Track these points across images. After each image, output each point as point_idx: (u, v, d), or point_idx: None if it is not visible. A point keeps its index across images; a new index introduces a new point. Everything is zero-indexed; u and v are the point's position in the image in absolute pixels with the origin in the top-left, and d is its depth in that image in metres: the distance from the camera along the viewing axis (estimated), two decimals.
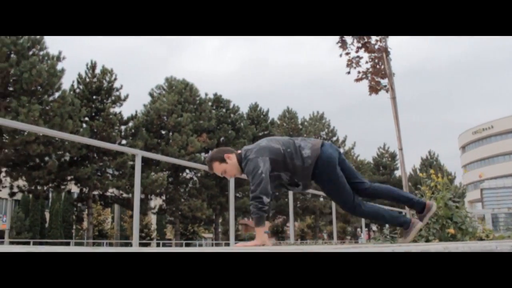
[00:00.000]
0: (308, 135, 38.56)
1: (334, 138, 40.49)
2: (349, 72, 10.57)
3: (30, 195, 28.62)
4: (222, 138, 34.53)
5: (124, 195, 29.29)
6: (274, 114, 45.01)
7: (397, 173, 43.07)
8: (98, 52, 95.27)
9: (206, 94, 34.64)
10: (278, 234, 45.12)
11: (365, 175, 38.06)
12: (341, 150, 27.68)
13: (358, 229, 40.92)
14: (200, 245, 35.21)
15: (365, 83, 10.75)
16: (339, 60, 10.59)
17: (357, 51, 10.07)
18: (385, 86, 10.19)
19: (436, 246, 2.26)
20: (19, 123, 7.57)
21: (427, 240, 6.98)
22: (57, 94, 23.79)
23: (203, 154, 31.66)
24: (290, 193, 10.47)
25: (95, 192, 28.66)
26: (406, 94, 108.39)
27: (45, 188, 26.09)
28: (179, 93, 32.53)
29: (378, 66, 10.11)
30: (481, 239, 6.99)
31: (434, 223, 6.88)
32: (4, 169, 23.63)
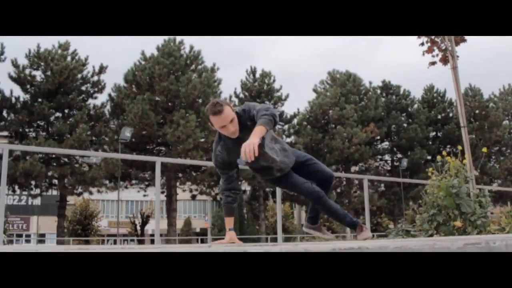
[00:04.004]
0: (497, 111, 34.49)
1: None
2: (422, 44, 9.49)
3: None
4: (393, 126, 33.06)
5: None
6: (453, 94, 41.15)
7: None
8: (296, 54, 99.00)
9: (371, 83, 33.55)
10: None
11: None
12: None
13: None
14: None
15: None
16: None
17: None
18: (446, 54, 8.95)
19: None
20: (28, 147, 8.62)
21: (430, 236, 5.93)
22: None
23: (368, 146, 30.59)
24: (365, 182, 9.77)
25: (267, 189, 30.09)
26: None
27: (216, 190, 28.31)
28: (341, 85, 32.13)
29: None
30: (490, 232, 5.68)
31: (438, 215, 5.83)
32: (180, 175, 26.44)
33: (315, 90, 33.57)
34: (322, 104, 31.00)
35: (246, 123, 3.27)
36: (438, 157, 6.14)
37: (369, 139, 30.22)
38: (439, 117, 34.68)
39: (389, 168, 34.15)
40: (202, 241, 36.10)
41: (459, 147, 6.14)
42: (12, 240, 38.94)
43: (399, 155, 33.69)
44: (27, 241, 40.08)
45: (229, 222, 3.36)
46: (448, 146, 35.08)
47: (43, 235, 38.59)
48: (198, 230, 48.00)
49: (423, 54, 9.05)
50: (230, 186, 3.37)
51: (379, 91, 34.40)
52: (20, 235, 41.50)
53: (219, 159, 3.37)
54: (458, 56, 9.01)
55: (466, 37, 9.08)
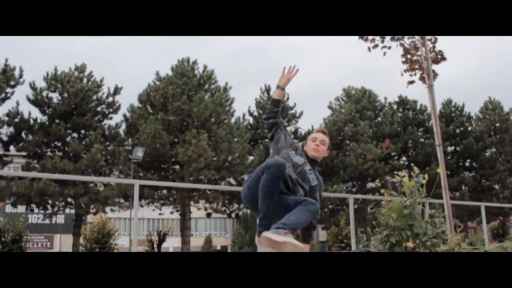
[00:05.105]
0: None
1: None
2: (406, 61, 9.59)
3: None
4: (409, 141, 32.76)
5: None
6: (472, 108, 40.57)
7: None
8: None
9: (386, 98, 33.40)
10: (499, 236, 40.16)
11: None
12: None
13: None
14: None
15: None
16: None
17: (382, 41, 9.09)
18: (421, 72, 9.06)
19: None
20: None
21: None
22: (227, 122, 26.02)
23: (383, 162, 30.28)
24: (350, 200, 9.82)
25: None
26: None
27: (235, 208, 28.50)
28: (356, 102, 32.11)
29: (411, 52, 8.98)
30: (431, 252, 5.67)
31: (391, 235, 5.88)
32: (194, 194, 26.67)
33: (330, 107, 33.61)
34: (337, 120, 30.97)
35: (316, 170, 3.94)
36: (397, 177, 6.18)
37: (384, 155, 29.99)
38: (457, 131, 34.20)
39: None
40: None
41: (415, 168, 6.17)
42: None
43: (417, 171, 33.26)
44: None
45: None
46: (468, 160, 34.61)
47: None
48: (218, 247, 48.20)
49: (402, 74, 9.16)
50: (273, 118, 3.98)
51: (395, 107, 34.25)
52: None
53: (283, 133, 4.04)
54: (437, 75, 9.08)
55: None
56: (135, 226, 7.50)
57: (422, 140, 32.97)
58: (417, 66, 9.21)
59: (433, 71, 9.24)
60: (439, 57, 9.28)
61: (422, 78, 9.33)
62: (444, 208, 7.49)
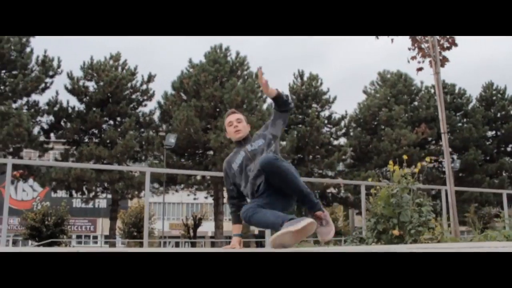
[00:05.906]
0: None
1: None
2: (413, 48, 9.51)
3: None
4: (446, 126, 32.01)
5: (341, 194, 30.17)
6: None
7: None
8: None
9: (422, 82, 32.70)
10: None
11: None
12: None
13: None
14: None
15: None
16: None
17: None
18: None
19: None
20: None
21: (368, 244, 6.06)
22: (259, 108, 26.17)
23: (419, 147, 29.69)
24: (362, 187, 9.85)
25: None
26: None
27: None
28: (392, 86, 31.60)
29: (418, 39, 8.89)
30: (415, 241, 5.71)
31: (378, 223, 5.98)
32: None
33: (365, 92, 33.22)
34: (371, 105, 30.62)
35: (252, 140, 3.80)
36: (389, 166, 6.24)
37: (420, 140, 29.48)
38: (499, 115, 33.16)
39: (444, 170, 33.06)
40: (260, 244, 36.55)
41: (405, 156, 6.20)
42: (81, 242, 41.39)
43: (454, 156, 32.57)
44: (95, 242, 42.40)
45: (235, 228, 3.72)
46: (510, 145, 33.57)
47: (107, 236, 40.75)
48: (256, 232, 48.60)
49: (408, 61, 9.09)
50: (231, 199, 3.78)
51: (432, 91, 33.46)
52: (88, 236, 44.01)
53: (225, 172, 3.83)
54: (448, 60, 8.97)
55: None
56: (146, 210, 7.80)
57: (460, 124, 32.22)
58: (427, 51, 9.13)
59: (444, 57, 9.09)
60: (449, 43, 9.15)
61: (430, 64, 9.24)
62: (447, 196, 7.48)
